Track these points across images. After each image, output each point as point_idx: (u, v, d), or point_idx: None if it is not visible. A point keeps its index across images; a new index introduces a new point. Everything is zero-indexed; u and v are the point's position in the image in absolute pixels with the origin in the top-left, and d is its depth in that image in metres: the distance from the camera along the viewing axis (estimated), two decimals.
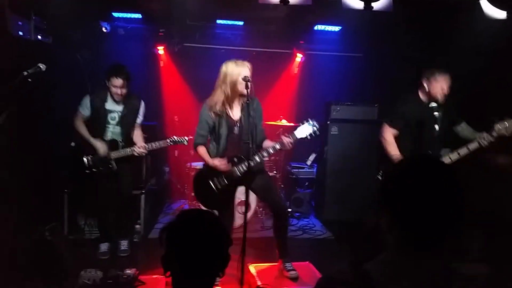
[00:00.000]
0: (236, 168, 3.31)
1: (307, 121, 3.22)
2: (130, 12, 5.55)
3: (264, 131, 3.55)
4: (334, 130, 5.37)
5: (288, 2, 3.03)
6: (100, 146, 4.01)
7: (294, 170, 5.94)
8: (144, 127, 5.03)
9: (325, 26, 5.87)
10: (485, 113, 3.41)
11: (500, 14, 3.26)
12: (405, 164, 1.32)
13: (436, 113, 3.37)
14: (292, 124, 5.44)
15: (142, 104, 4.28)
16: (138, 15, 5.57)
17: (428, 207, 1.13)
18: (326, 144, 5.43)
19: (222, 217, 3.42)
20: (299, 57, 6.27)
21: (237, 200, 4.77)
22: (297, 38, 6.08)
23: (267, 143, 3.38)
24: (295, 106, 6.28)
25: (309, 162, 5.99)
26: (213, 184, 3.34)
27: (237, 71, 3.21)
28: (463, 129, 3.67)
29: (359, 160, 5.30)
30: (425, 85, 3.55)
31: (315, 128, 3.21)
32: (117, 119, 4.09)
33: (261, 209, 5.39)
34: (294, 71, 6.35)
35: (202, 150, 3.41)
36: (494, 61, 3.81)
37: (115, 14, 5.53)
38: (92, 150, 4.00)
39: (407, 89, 3.84)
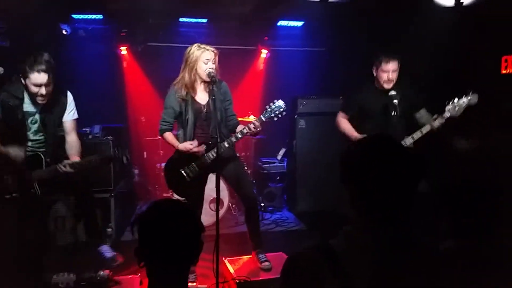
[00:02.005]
0: (205, 155, 3.28)
1: (273, 102, 3.20)
2: (90, 14, 5.46)
3: (236, 115, 3.51)
4: (301, 124, 5.45)
5: None
6: (14, 154, 3.09)
7: (265, 165, 5.99)
8: (109, 130, 4.97)
9: (288, 21, 5.97)
10: (441, 97, 3.54)
11: (448, 1, 3.40)
12: (363, 141, 1.38)
13: (392, 98, 3.47)
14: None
15: (69, 95, 3.41)
16: (99, 16, 5.48)
17: (385, 181, 1.19)
18: (294, 138, 5.51)
19: (193, 206, 3.41)
20: (264, 53, 6.33)
21: (208, 198, 4.80)
22: (261, 34, 6.13)
23: (239, 129, 3.30)
24: (262, 101, 6.33)
25: (279, 157, 6.08)
26: (184, 172, 3.31)
27: (197, 54, 3.21)
28: (421, 116, 3.74)
29: (328, 151, 5.38)
30: (374, 73, 3.67)
31: (281, 109, 3.18)
32: (39, 124, 3.23)
33: (234, 206, 5.41)
34: (260, 67, 6.41)
35: (169, 136, 3.37)
36: (445, 47, 3.98)
37: (75, 16, 5.41)
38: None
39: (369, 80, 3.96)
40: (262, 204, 5.48)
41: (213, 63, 3.22)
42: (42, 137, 3.26)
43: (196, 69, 3.23)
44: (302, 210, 5.44)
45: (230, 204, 5.26)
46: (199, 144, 3.28)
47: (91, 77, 5.48)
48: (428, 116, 3.70)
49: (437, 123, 3.48)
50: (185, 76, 3.28)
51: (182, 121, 3.36)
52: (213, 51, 3.26)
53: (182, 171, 3.31)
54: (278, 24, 5.88)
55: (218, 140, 2.98)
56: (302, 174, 5.47)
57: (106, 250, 3.62)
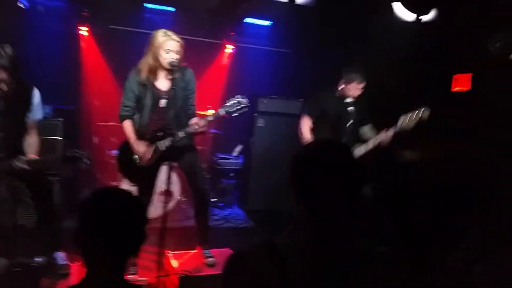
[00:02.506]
0: (159, 143, 3.19)
1: (234, 97, 3.15)
2: None
3: (195, 107, 3.43)
4: (260, 122, 5.48)
5: None
6: None
7: (220, 160, 5.97)
8: (60, 112, 4.77)
9: (256, 19, 5.97)
10: (395, 110, 3.67)
11: (410, 16, 3.51)
12: (311, 145, 1.42)
13: (350, 108, 3.61)
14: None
15: (36, 93, 3.17)
16: None
17: (328, 184, 1.23)
18: (252, 135, 5.52)
19: (142, 194, 3.34)
20: (229, 48, 6.29)
21: (158, 190, 4.72)
22: (227, 29, 6.09)
23: (195, 120, 3.19)
24: (223, 96, 6.30)
25: (235, 153, 6.08)
26: (137, 158, 3.24)
27: (160, 41, 3.11)
28: (365, 132, 3.89)
29: (285, 152, 5.44)
30: (342, 85, 3.78)
31: (242, 105, 3.13)
32: None
33: (185, 199, 5.35)
34: (224, 62, 6.36)
35: (127, 125, 3.25)
36: (405, 62, 4.12)
37: None
38: None
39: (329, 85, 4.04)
40: (214, 200, 5.46)
41: (177, 54, 3.14)
42: (1, 134, 2.98)
43: (157, 56, 3.13)
44: (253, 208, 5.46)
45: (181, 197, 5.19)
46: (154, 130, 3.21)
47: (47, 56, 5.25)
48: (372, 132, 3.82)
49: (382, 139, 3.59)
50: (147, 60, 3.17)
51: (139, 106, 3.26)
52: (178, 41, 3.16)
53: (135, 156, 3.24)
54: (245, 21, 5.87)
55: (174, 129, 2.95)
56: (256, 173, 5.50)
57: (61, 258, 3.34)
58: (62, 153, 3.17)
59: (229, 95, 6.49)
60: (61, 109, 4.86)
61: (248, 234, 4.76)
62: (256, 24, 5.99)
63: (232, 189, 5.79)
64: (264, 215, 5.27)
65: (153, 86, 3.21)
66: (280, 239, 1.25)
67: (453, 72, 3.69)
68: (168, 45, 3.11)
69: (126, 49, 5.54)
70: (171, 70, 3.10)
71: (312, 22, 5.24)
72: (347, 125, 3.69)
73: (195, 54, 6.12)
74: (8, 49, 2.83)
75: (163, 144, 3.18)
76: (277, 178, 5.41)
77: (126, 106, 3.27)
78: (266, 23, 6.01)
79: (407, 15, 3.56)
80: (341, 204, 1.26)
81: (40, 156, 3.12)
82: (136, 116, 3.28)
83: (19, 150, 3.07)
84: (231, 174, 5.99)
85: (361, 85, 3.71)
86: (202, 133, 3.21)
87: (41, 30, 5.24)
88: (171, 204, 4.81)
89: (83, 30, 5.69)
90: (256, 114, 5.45)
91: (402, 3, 3.40)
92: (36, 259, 3.00)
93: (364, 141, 3.76)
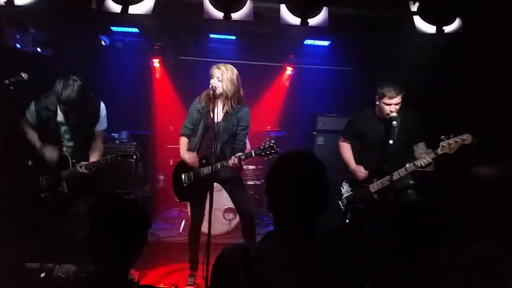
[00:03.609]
0: (200, 169, 3.49)
1: (267, 142, 3.35)
2: (127, 27, 5.84)
3: (245, 143, 3.64)
4: (320, 140, 5.55)
5: (231, 17, 3.19)
6: (48, 156, 3.42)
7: None
8: (135, 136, 5.29)
9: (314, 40, 6.11)
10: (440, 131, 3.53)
11: (430, 28, 3.36)
12: (283, 156, 1.56)
13: (388, 126, 3.47)
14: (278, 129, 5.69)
15: (103, 107, 3.61)
16: (135, 30, 5.85)
17: (296, 193, 1.36)
18: None
19: (192, 212, 3.65)
20: (289, 71, 6.50)
21: (222, 207, 4.98)
22: (287, 52, 6.31)
23: (237, 155, 3.41)
24: (283, 117, 6.50)
25: None
26: (183, 178, 3.56)
27: (211, 71, 3.47)
28: (417, 148, 3.60)
29: (345, 169, 5.45)
30: (377, 102, 3.63)
31: (272, 151, 3.30)
32: (71, 132, 3.51)
33: None
34: (285, 84, 6.57)
35: (182, 141, 3.63)
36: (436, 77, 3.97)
37: (114, 28, 5.80)
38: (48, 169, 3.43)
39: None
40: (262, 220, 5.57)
41: (219, 80, 3.42)
42: (72, 143, 3.53)
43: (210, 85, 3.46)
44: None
45: None
46: (202, 156, 3.51)
47: (124, 86, 5.88)
48: (424, 151, 3.53)
49: (424, 161, 3.36)
50: (208, 90, 3.50)
51: (195, 130, 3.60)
52: (219, 69, 3.46)
53: (182, 175, 3.56)
54: (305, 42, 6.03)
55: (213, 159, 3.24)
56: None
57: None
58: (115, 152, 3.49)
59: (289, 115, 6.73)
60: (137, 134, 5.39)
61: None
62: (315, 45, 6.11)
63: None
64: (321, 233, 5.24)
65: (207, 116, 3.50)
66: (257, 244, 1.43)
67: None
68: (212, 73, 3.45)
69: (194, 77, 6.00)
70: (211, 99, 3.37)
71: (374, 38, 5.26)
72: (388, 145, 3.49)
73: (256, 77, 6.49)
74: (77, 84, 3.28)
75: (204, 170, 3.48)
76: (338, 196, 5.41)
77: (185, 127, 3.66)
78: (325, 43, 6.12)
79: (427, 27, 3.36)
80: (307, 213, 1.41)
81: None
82: (192, 139, 3.62)
83: (87, 158, 3.52)
84: None
85: (394, 100, 3.49)
86: (237, 168, 3.45)
87: (119, 63, 5.87)
88: (235, 221, 5.03)
89: (156, 62, 6.26)
90: (315, 133, 5.54)
91: (420, 16, 3.28)
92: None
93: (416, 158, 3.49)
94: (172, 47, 6.23)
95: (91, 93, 3.57)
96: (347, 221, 1.89)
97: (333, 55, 6.24)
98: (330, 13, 3.50)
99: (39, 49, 4.67)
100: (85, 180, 3.44)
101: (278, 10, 3.36)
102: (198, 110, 3.57)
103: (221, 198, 4.67)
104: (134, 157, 3.49)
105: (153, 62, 6.31)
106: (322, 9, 3.24)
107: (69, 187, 3.48)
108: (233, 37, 6.01)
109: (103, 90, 5.77)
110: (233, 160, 3.33)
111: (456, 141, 3.27)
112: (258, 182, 5.62)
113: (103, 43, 5.86)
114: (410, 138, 3.62)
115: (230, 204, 4.29)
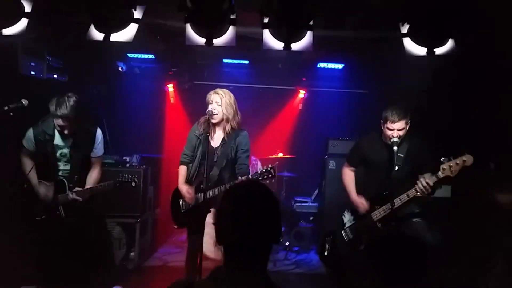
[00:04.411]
0: (200, 195, 3.43)
1: (267, 167, 3.32)
2: (143, 53, 6.01)
3: (247, 165, 3.56)
4: (331, 164, 5.42)
5: (212, 44, 3.14)
6: (42, 191, 3.48)
7: (297, 204, 5.99)
8: (147, 160, 5.34)
9: (328, 63, 6.06)
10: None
11: (420, 51, 3.21)
12: (233, 187, 1.54)
13: (393, 152, 3.30)
14: (288, 156, 5.58)
15: (99, 133, 3.64)
16: (151, 56, 6.02)
17: (240, 225, 1.29)
18: (324, 178, 5.47)
19: (190, 238, 3.57)
20: (301, 94, 6.45)
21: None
22: (299, 75, 6.28)
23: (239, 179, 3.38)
24: (294, 140, 6.42)
25: (313, 197, 6.06)
26: (180, 204, 3.53)
27: (208, 97, 3.47)
28: (423, 177, 3.29)
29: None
30: (382, 126, 3.50)
31: (270, 174, 3.28)
32: (68, 156, 3.53)
33: None
34: (298, 107, 6.53)
35: (181, 170, 3.61)
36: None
37: (130, 55, 5.99)
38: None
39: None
40: (287, 244, 5.45)
41: (219, 105, 3.41)
42: (68, 167, 3.55)
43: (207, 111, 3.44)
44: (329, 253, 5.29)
45: None
46: (199, 183, 3.46)
47: (138, 110, 6.02)
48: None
49: (421, 187, 3.21)
50: (206, 116, 3.48)
51: (192, 157, 3.58)
52: (218, 94, 3.45)
53: (180, 201, 3.53)
54: (318, 66, 5.99)
55: (207, 185, 3.21)
56: (329, 216, 5.36)
57: None
58: (112, 180, 3.59)
59: (300, 138, 6.65)
60: (148, 158, 5.45)
61: (317, 281, 4.62)
62: (328, 68, 6.06)
63: (309, 233, 5.72)
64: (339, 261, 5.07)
65: (206, 142, 3.45)
66: (205, 278, 1.37)
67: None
68: (210, 98, 3.43)
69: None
70: (210, 120, 3.38)
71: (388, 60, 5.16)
72: (392, 171, 3.33)
73: (269, 101, 6.48)
74: (72, 101, 3.32)
75: (200, 197, 3.43)
76: None
77: (185, 154, 3.63)
78: (339, 66, 6.05)
79: (417, 50, 3.20)
80: (249, 248, 1.34)
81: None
82: (190, 165, 3.59)
83: (83, 182, 3.55)
84: (311, 218, 5.97)
85: (396, 125, 3.34)
86: None
87: (135, 89, 6.03)
88: None
89: (170, 87, 6.39)
90: (326, 157, 5.42)
91: (410, 38, 3.15)
92: None
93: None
94: (187, 72, 6.35)
95: (90, 120, 3.65)
96: (325, 253, 1.77)
97: (347, 78, 6.17)
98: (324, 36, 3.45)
99: (55, 76, 4.85)
100: (81, 205, 3.47)
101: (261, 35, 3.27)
102: (196, 136, 3.55)
103: None
104: (133, 184, 3.58)
105: (167, 88, 6.43)
106: (306, 33, 3.17)
107: (66, 211, 3.49)
108: (246, 62, 6.07)
109: (118, 114, 5.97)
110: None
111: (457, 163, 3.13)
112: None
113: (120, 69, 6.04)
114: (415, 166, 3.45)
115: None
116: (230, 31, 3.16)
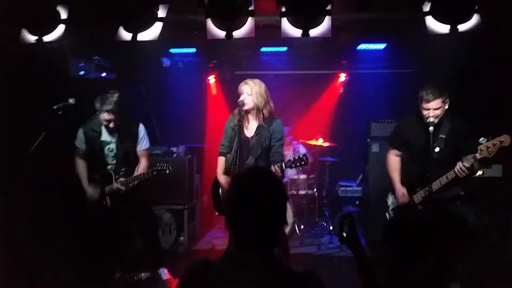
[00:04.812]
0: None
1: (298, 154, 3.36)
2: (185, 47, 6.21)
3: (281, 154, 3.57)
4: (375, 148, 5.32)
5: (232, 36, 3.17)
6: (90, 193, 3.79)
7: (341, 188, 5.98)
8: (192, 149, 5.57)
9: (368, 44, 5.92)
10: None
11: (443, 28, 3.02)
12: (239, 173, 1.58)
13: (432, 133, 3.21)
14: (328, 144, 5.56)
15: (141, 128, 3.90)
16: (193, 50, 6.20)
17: (245, 209, 1.38)
18: (367, 162, 5.40)
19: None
20: (342, 77, 6.37)
21: None
22: (339, 59, 6.19)
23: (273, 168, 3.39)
24: (336, 124, 6.37)
25: (358, 181, 6.02)
26: (220, 192, 3.65)
27: (239, 90, 3.51)
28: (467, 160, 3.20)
29: None
30: (419, 107, 3.39)
31: (302, 162, 3.31)
32: (114, 151, 3.79)
33: (301, 227, 5.51)
34: (338, 91, 6.45)
35: (219, 161, 3.69)
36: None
37: (172, 50, 6.21)
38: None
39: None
40: (331, 228, 5.47)
41: (249, 95, 3.46)
42: (115, 161, 3.82)
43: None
44: (373, 238, 5.24)
45: (296, 224, 5.38)
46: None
47: (183, 103, 6.26)
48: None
49: (461, 169, 3.13)
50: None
51: (230, 148, 3.64)
52: (247, 84, 3.49)
53: (220, 189, 3.65)
54: (358, 48, 5.87)
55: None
56: (374, 201, 5.29)
57: (164, 273, 3.95)
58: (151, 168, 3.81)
59: (341, 123, 6.57)
60: (193, 148, 5.68)
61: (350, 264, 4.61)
62: (369, 50, 5.92)
63: (355, 217, 5.69)
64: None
65: (241, 132, 3.53)
66: (219, 257, 1.44)
67: None
68: (241, 89, 3.49)
69: None
70: (240, 115, 3.46)
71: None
72: (434, 153, 3.25)
73: (309, 86, 6.46)
74: (115, 95, 3.60)
75: None
76: None
77: (222, 145, 3.73)
78: (381, 46, 5.89)
79: (440, 27, 3.02)
80: (261, 229, 1.39)
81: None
82: (228, 156, 3.66)
83: (131, 175, 3.79)
84: (357, 202, 5.94)
85: (431, 104, 3.25)
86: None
87: (179, 82, 6.25)
88: (286, 230, 5.03)
89: (211, 79, 6.57)
90: (369, 140, 5.33)
91: (433, 15, 2.98)
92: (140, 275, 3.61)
93: None
94: (226, 63, 6.49)
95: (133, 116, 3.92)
96: (344, 234, 1.78)
97: (390, 58, 6.00)
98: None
99: (103, 74, 5.16)
100: (126, 194, 3.74)
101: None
102: (231, 127, 3.63)
103: None
104: (167, 171, 3.73)
105: (209, 80, 6.61)
106: (324, 19, 3.14)
107: (112, 201, 3.78)
108: (284, 49, 6.08)
109: (165, 108, 6.24)
110: (274, 170, 3.34)
111: (494, 144, 3.00)
112: (310, 192, 5.57)
113: (164, 64, 6.28)
114: (458, 148, 3.33)
115: None
116: (249, 22, 3.21)
